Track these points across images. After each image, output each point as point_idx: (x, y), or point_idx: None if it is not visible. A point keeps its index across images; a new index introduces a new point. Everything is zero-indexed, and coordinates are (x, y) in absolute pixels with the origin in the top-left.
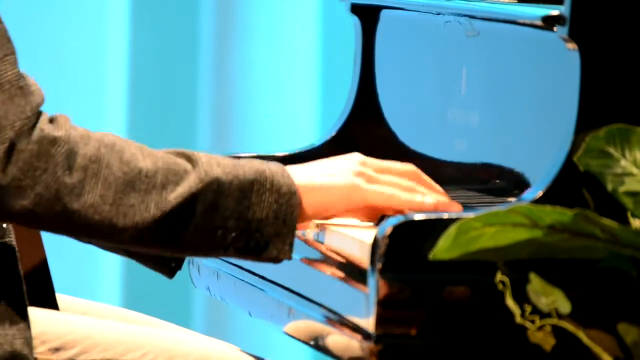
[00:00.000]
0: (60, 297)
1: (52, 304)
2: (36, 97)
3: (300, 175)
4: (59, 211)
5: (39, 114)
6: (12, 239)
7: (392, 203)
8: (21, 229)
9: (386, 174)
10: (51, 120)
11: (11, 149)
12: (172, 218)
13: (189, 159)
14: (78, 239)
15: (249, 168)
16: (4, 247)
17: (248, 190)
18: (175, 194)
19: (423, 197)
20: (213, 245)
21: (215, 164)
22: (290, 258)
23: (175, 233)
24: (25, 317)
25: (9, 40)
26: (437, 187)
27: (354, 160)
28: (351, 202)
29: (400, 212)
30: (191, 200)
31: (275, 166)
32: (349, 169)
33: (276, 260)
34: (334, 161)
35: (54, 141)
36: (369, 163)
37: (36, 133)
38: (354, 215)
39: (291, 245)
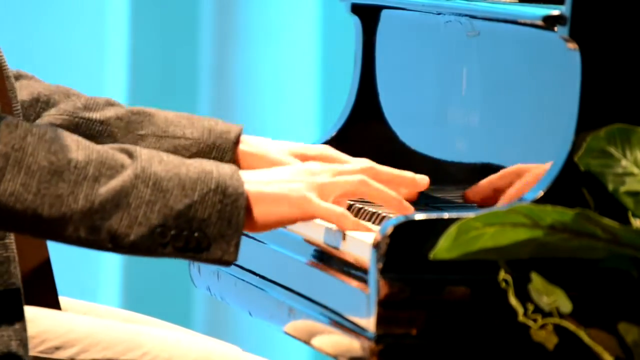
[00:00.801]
0: (60, 299)
1: (55, 304)
2: None
3: (253, 182)
4: None
5: None
6: (11, 240)
7: (341, 223)
8: None
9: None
10: None
11: None
12: (102, 211)
13: (130, 154)
14: (10, 231)
15: (195, 167)
16: (2, 248)
17: (189, 189)
18: (107, 187)
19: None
20: (150, 243)
21: (157, 161)
22: (235, 260)
23: (107, 229)
24: (21, 318)
25: None
26: (396, 176)
27: (308, 170)
28: (303, 214)
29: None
30: (124, 195)
31: (226, 167)
32: (302, 180)
33: (221, 261)
34: (288, 170)
35: None
36: (323, 170)
37: None
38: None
39: (237, 246)
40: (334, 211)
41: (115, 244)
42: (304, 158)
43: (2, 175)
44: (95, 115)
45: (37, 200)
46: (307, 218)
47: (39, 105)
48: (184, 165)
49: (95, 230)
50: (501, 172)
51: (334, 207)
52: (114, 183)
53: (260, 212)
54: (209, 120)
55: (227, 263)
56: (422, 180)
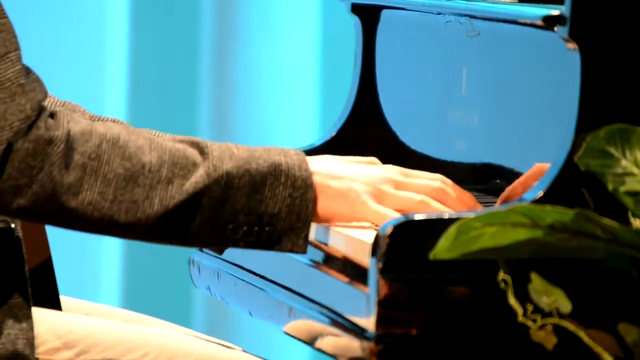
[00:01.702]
0: (61, 299)
1: (56, 304)
2: (37, 94)
3: (319, 173)
4: (56, 210)
5: (40, 110)
6: (19, 231)
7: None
8: (26, 228)
9: (406, 188)
10: (52, 116)
11: (8, 149)
12: (176, 214)
13: (201, 151)
14: (84, 232)
15: (264, 161)
16: (12, 243)
17: (260, 184)
18: (181, 190)
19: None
20: (223, 239)
21: (227, 156)
22: (305, 251)
23: (181, 228)
24: (29, 317)
25: (13, 36)
26: (467, 197)
27: (377, 173)
28: (355, 216)
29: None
30: (197, 196)
31: (294, 157)
32: (368, 182)
33: (291, 252)
34: (360, 166)
35: (50, 140)
36: (390, 179)
37: (33, 132)
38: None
39: (306, 238)
40: (386, 216)
41: (189, 241)
42: None
43: (80, 185)
44: None
45: (114, 207)
46: (359, 220)
47: None
48: (253, 159)
49: (169, 231)
50: (530, 171)
51: (386, 212)
52: (187, 185)
53: (321, 205)
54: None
55: (297, 253)
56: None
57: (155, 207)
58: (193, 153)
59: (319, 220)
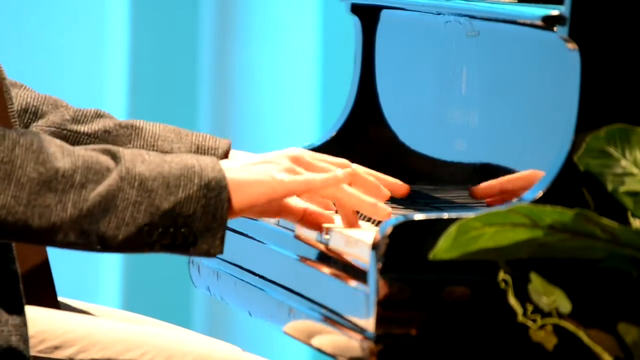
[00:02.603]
0: (60, 300)
1: (54, 304)
2: None
3: (229, 169)
4: None
5: None
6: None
7: (310, 186)
8: None
9: (312, 168)
10: None
11: None
12: (90, 216)
13: (114, 156)
14: (1, 240)
15: (177, 163)
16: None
17: (174, 186)
18: (94, 193)
19: (336, 172)
20: (139, 242)
21: (140, 160)
22: (221, 252)
23: (96, 232)
24: (21, 313)
25: None
26: (373, 180)
27: (284, 155)
28: (276, 195)
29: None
30: (111, 198)
31: (207, 160)
32: (276, 164)
33: (208, 254)
34: (264, 156)
35: None
36: (300, 158)
37: None
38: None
39: (222, 239)
40: (298, 179)
41: (104, 245)
42: None
43: None
44: (83, 128)
45: (28, 211)
46: (278, 196)
47: (27, 115)
48: (166, 162)
49: (84, 234)
50: (514, 175)
51: (297, 178)
52: (101, 188)
53: (236, 199)
54: (198, 135)
55: (213, 255)
56: (402, 188)
57: (69, 210)
58: (106, 159)
59: (237, 213)
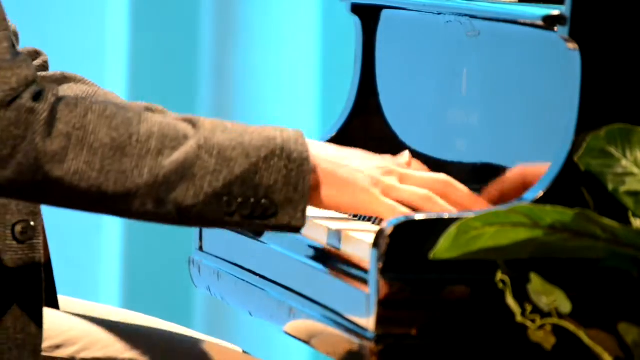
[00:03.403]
0: (60, 298)
1: (54, 306)
2: (24, 70)
3: (325, 159)
4: (41, 180)
5: (27, 86)
6: (39, 241)
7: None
8: None
9: (409, 184)
10: (39, 91)
11: None
12: (168, 184)
13: (193, 125)
14: (76, 209)
15: (259, 134)
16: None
17: (254, 156)
18: (171, 159)
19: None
20: (217, 212)
21: (220, 130)
22: (303, 225)
23: (173, 201)
24: (39, 324)
25: (3, 19)
26: (470, 195)
27: (381, 165)
28: (360, 208)
29: None
30: (188, 166)
31: (290, 132)
32: (372, 174)
33: (289, 227)
34: (362, 157)
35: (32, 109)
36: (395, 171)
37: (16, 102)
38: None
39: (303, 212)
40: (397, 210)
41: (181, 215)
42: None
43: (65, 154)
44: None
45: (102, 177)
46: (367, 213)
47: None
48: (247, 133)
49: (161, 202)
50: (504, 175)
51: (397, 206)
52: (177, 155)
53: (326, 192)
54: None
55: (295, 229)
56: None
57: (145, 176)
58: (185, 127)
59: (322, 206)
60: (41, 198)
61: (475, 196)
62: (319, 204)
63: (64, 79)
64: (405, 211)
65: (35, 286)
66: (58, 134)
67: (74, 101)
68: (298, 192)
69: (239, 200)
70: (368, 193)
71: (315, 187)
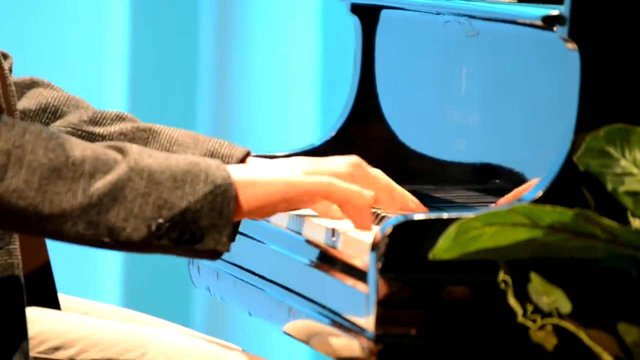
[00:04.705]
0: (61, 297)
1: (55, 307)
2: None
3: (238, 170)
4: None
5: None
6: (16, 246)
7: (331, 190)
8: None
9: (324, 165)
10: None
11: None
12: (99, 206)
13: (120, 150)
14: (6, 229)
15: (183, 160)
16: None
17: (181, 180)
18: (104, 182)
19: (361, 189)
20: (146, 236)
21: (147, 155)
22: (228, 250)
23: (105, 223)
24: (24, 327)
25: None
26: (382, 179)
27: (296, 162)
28: (289, 197)
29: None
30: (120, 188)
31: (210, 160)
32: (290, 166)
33: (214, 252)
34: (276, 163)
35: None
36: (312, 167)
37: None
38: (301, 207)
39: (229, 237)
40: (321, 181)
41: (112, 238)
42: None
43: (5, 172)
44: (99, 129)
45: (39, 197)
46: (294, 196)
47: (45, 115)
48: (172, 157)
49: (92, 225)
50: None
51: (320, 178)
52: (110, 177)
53: (245, 198)
54: (215, 141)
55: (220, 254)
56: (399, 207)
57: (79, 198)
58: (113, 152)
59: (246, 214)
60: None
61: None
62: (244, 214)
63: (32, 84)
64: (329, 180)
65: (16, 290)
66: None
67: (9, 120)
68: (223, 217)
69: (167, 224)
70: (287, 179)
71: (239, 207)
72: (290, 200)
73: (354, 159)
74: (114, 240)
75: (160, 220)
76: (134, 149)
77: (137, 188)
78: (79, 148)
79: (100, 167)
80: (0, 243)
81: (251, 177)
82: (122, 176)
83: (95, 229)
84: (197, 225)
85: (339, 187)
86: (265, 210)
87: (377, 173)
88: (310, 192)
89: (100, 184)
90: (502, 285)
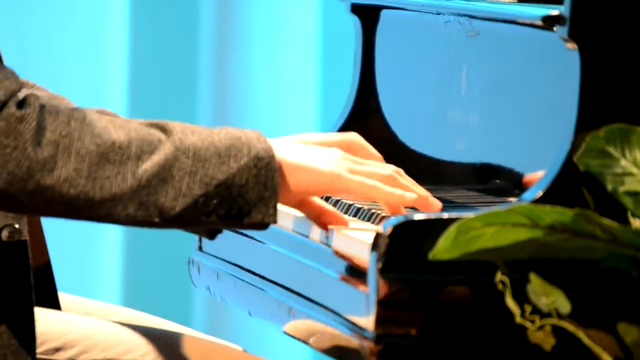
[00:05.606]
0: (61, 296)
1: (55, 306)
2: (11, 84)
3: (284, 149)
4: (32, 188)
5: (12, 97)
6: (25, 235)
7: (373, 193)
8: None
9: (368, 167)
10: (21, 102)
11: None
12: (149, 187)
13: (163, 128)
14: (57, 217)
15: (225, 134)
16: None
17: (225, 155)
18: (152, 163)
19: (404, 191)
20: (195, 213)
21: (189, 132)
22: (275, 221)
23: (154, 203)
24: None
25: None
26: (419, 187)
27: (336, 151)
28: (332, 189)
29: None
30: (168, 168)
31: (250, 131)
32: (332, 158)
33: (261, 225)
34: (316, 147)
35: (21, 118)
36: (350, 157)
37: (4, 111)
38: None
39: (275, 208)
40: (366, 183)
41: (162, 217)
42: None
43: (55, 162)
44: None
45: (89, 183)
46: (338, 189)
47: None
48: (214, 134)
49: (143, 206)
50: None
51: (364, 179)
52: (157, 158)
53: (293, 181)
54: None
55: (267, 226)
56: (434, 206)
57: (128, 181)
58: (156, 132)
59: (292, 195)
60: (31, 207)
61: (421, 189)
62: (288, 195)
63: (25, 84)
64: (373, 183)
65: (25, 289)
66: (47, 142)
67: (53, 109)
68: (268, 189)
69: (215, 201)
70: (333, 172)
71: (283, 181)
72: (330, 192)
73: (392, 167)
74: (164, 220)
75: (207, 198)
76: (176, 127)
77: (184, 167)
78: (124, 130)
79: (145, 148)
80: (10, 241)
81: (297, 161)
82: (169, 156)
83: (146, 210)
84: (244, 199)
85: (383, 191)
86: (306, 195)
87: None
88: (353, 191)
89: (148, 165)
90: (500, 286)
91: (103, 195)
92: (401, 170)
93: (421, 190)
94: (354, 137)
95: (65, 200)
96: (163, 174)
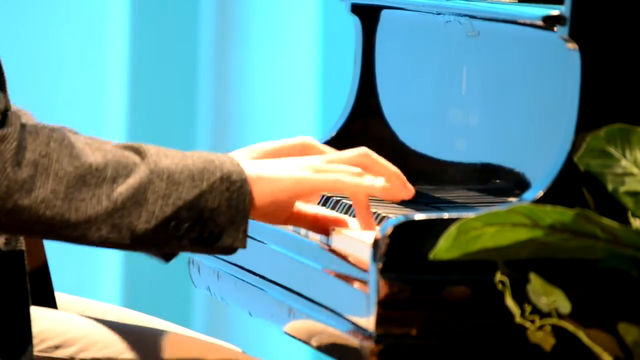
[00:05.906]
0: (60, 296)
1: (51, 307)
2: (1, 103)
3: (249, 166)
4: (10, 208)
5: None
6: (23, 249)
7: (339, 186)
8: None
9: (335, 164)
10: (4, 117)
11: None
12: (122, 210)
13: (138, 151)
14: (32, 236)
15: (198, 157)
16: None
17: (198, 179)
18: (127, 186)
19: (372, 181)
20: (167, 236)
21: (163, 155)
22: (244, 246)
23: (127, 226)
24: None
25: None
26: (392, 167)
27: (297, 158)
28: (299, 193)
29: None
30: (142, 191)
31: (223, 156)
32: (296, 164)
33: (230, 249)
34: (282, 159)
35: (2, 137)
36: (315, 158)
37: None
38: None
39: (245, 233)
40: (329, 179)
41: (133, 239)
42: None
43: (33, 183)
44: None
45: (65, 205)
46: (304, 192)
47: None
48: (187, 157)
49: (116, 228)
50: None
51: (328, 176)
52: (132, 181)
53: (259, 195)
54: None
55: (235, 250)
56: (409, 192)
57: (103, 203)
58: (131, 154)
59: (259, 209)
60: (7, 226)
61: (395, 171)
62: (259, 212)
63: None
64: (338, 177)
65: (21, 292)
66: (27, 163)
67: (33, 128)
68: (239, 213)
69: (187, 224)
70: (294, 176)
71: (252, 202)
72: (298, 198)
73: (361, 149)
74: (136, 242)
75: (179, 221)
76: (151, 149)
77: (158, 190)
78: (100, 152)
79: (121, 171)
80: (7, 247)
81: (259, 173)
82: (144, 179)
83: (119, 232)
84: (215, 223)
85: (347, 183)
86: (275, 206)
87: (386, 162)
88: (319, 189)
89: (123, 188)
90: (500, 286)
91: (78, 217)
92: (369, 151)
93: (393, 169)
94: (303, 139)
95: (42, 221)
96: (137, 196)
